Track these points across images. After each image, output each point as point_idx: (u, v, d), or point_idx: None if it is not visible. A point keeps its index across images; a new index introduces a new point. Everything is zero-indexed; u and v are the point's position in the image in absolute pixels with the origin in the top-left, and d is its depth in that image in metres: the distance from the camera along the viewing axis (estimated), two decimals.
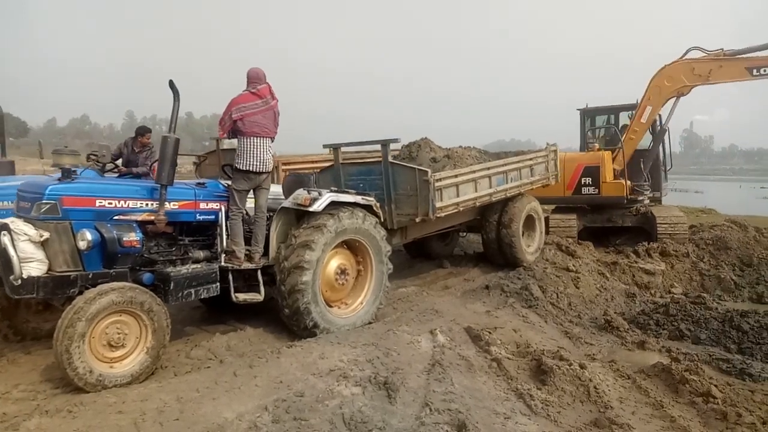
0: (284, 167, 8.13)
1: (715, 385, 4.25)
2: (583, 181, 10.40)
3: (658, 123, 10.84)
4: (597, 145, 10.94)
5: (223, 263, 5.00)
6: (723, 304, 7.48)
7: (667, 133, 11.07)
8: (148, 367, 4.15)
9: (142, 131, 7.33)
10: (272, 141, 5.38)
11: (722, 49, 9.95)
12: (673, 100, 10.43)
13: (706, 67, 9.95)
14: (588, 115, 11.88)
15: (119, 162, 7.10)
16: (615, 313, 6.95)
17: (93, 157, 6.33)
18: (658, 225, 10.03)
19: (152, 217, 4.58)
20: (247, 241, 5.31)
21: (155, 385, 3.96)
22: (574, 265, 8.43)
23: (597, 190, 10.37)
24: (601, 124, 11.34)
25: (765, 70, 9.44)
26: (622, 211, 10.75)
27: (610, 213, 10.76)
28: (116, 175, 6.83)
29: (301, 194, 5.29)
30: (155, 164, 4.92)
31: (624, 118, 11.43)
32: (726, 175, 70.53)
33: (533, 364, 4.58)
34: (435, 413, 3.58)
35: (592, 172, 10.37)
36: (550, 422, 3.68)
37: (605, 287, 8.04)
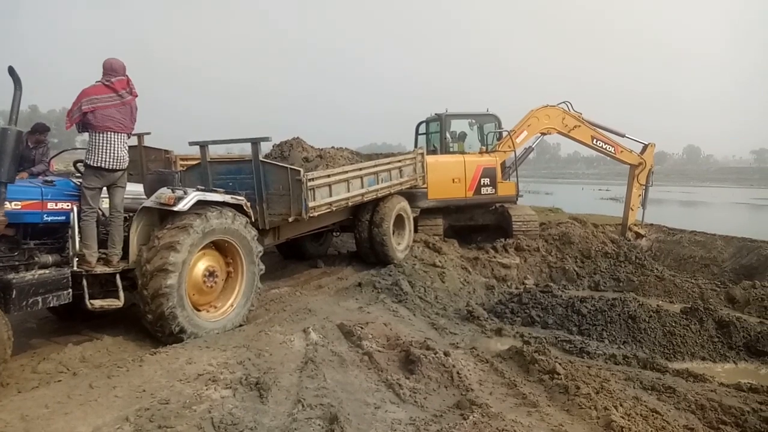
0: (182, 163, 7.79)
1: (559, 363, 4.75)
2: (482, 182, 11.05)
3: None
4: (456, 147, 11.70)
5: (75, 268, 4.60)
6: (567, 292, 8.38)
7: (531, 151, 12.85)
8: None
9: (41, 129, 6.79)
10: (128, 137, 5.06)
11: (581, 113, 12.20)
12: (539, 134, 12.17)
13: (572, 122, 12.06)
14: (447, 119, 12.49)
15: None
16: (476, 304, 7.52)
17: None
18: (513, 223, 10.94)
19: None
20: (104, 243, 4.94)
21: None
22: (440, 261, 8.93)
23: (494, 190, 11.18)
24: (456, 129, 12.06)
25: (600, 144, 12.31)
26: (483, 211, 11.59)
27: (472, 212, 11.53)
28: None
29: (164, 193, 5.03)
30: (52, 160, 4.42)
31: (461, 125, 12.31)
32: (571, 179, 78.44)
33: (402, 355, 4.78)
34: (307, 409, 3.62)
35: (490, 174, 11.12)
36: (418, 408, 3.89)
37: (468, 281, 8.63)
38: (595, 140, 12.30)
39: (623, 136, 12.68)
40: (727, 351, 6.34)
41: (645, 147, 12.78)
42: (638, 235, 12.38)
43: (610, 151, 12.50)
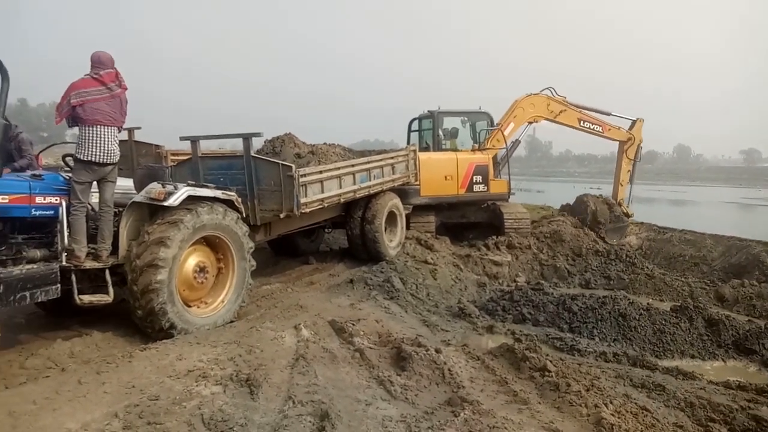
0: (173, 158, 7.73)
1: (550, 361, 4.76)
2: (474, 179, 11.04)
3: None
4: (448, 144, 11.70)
5: (64, 263, 4.55)
6: (558, 290, 8.39)
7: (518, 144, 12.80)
8: None
9: None
10: (119, 131, 5.03)
11: (565, 97, 12.15)
12: (526, 124, 12.16)
13: (558, 107, 12.07)
14: (440, 117, 12.44)
15: None
16: (468, 301, 7.52)
17: None
18: (505, 220, 10.95)
19: None
20: (93, 238, 4.89)
21: None
22: (432, 258, 8.94)
23: (486, 187, 11.19)
24: (448, 126, 12.06)
25: (587, 125, 12.39)
26: (475, 208, 11.60)
27: (464, 210, 11.54)
28: None
29: (155, 188, 4.99)
30: (41, 153, 4.36)
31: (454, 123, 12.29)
32: (562, 177, 78.52)
33: (393, 352, 4.77)
34: (298, 405, 3.61)
35: (482, 171, 11.12)
36: (409, 405, 3.88)
37: (460, 278, 8.63)
38: (582, 122, 12.33)
39: (609, 114, 12.73)
40: (716, 349, 6.38)
41: (633, 123, 12.87)
42: (626, 215, 12.55)
43: (598, 131, 12.56)
